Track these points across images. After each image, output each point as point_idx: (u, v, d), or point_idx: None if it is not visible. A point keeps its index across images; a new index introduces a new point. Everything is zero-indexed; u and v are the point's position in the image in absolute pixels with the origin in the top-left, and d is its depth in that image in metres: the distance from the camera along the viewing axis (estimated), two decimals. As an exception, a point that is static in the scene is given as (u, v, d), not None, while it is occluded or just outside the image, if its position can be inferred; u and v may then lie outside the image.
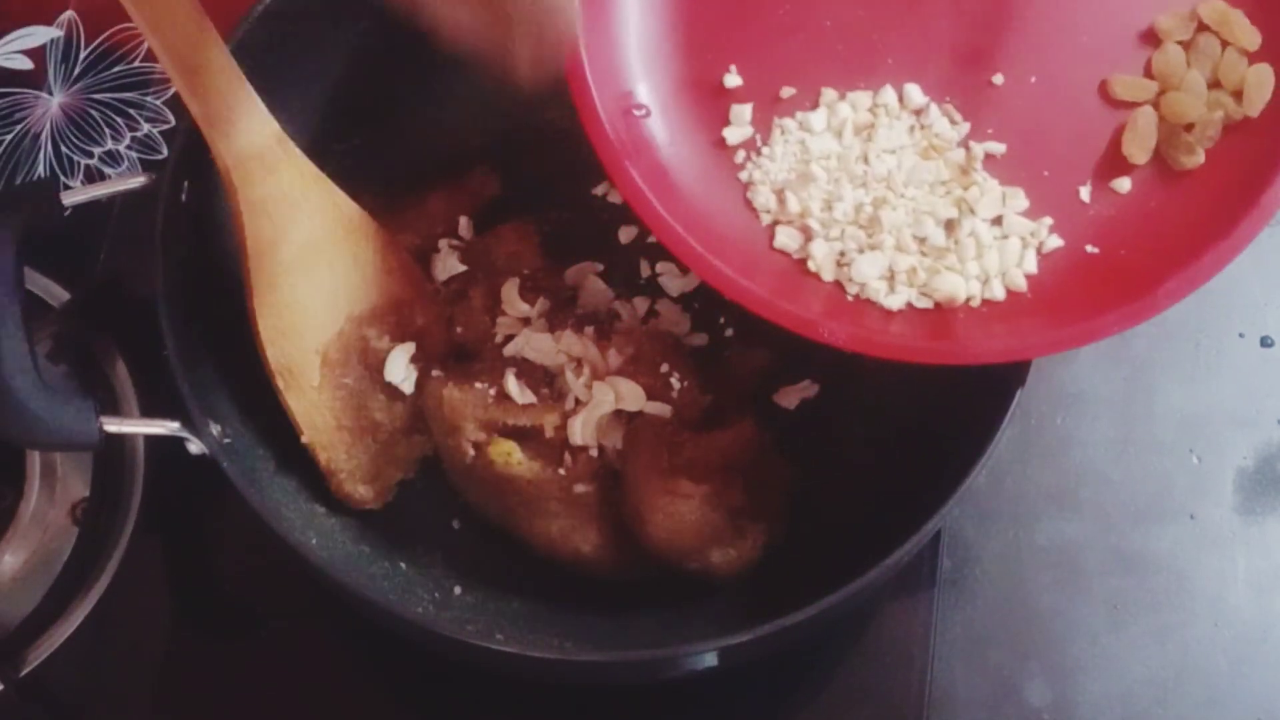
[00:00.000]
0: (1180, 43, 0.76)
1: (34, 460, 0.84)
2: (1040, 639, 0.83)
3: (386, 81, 0.87)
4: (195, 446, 0.73)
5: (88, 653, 0.84)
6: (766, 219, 0.76)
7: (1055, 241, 0.75)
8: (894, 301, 0.74)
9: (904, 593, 0.83)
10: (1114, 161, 0.76)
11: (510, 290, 0.84)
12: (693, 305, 0.87)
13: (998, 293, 0.74)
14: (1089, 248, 0.75)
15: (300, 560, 0.72)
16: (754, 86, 0.78)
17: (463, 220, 0.88)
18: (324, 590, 0.74)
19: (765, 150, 0.77)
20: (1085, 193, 0.75)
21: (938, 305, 0.74)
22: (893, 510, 0.73)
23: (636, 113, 0.77)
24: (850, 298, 0.75)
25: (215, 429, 0.73)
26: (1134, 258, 0.73)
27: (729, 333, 0.86)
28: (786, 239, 0.76)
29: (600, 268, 0.87)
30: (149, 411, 0.87)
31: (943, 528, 0.84)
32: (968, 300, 0.74)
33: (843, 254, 0.75)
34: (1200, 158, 0.74)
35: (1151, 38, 0.76)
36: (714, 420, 0.81)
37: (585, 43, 0.74)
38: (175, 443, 0.73)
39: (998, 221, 0.76)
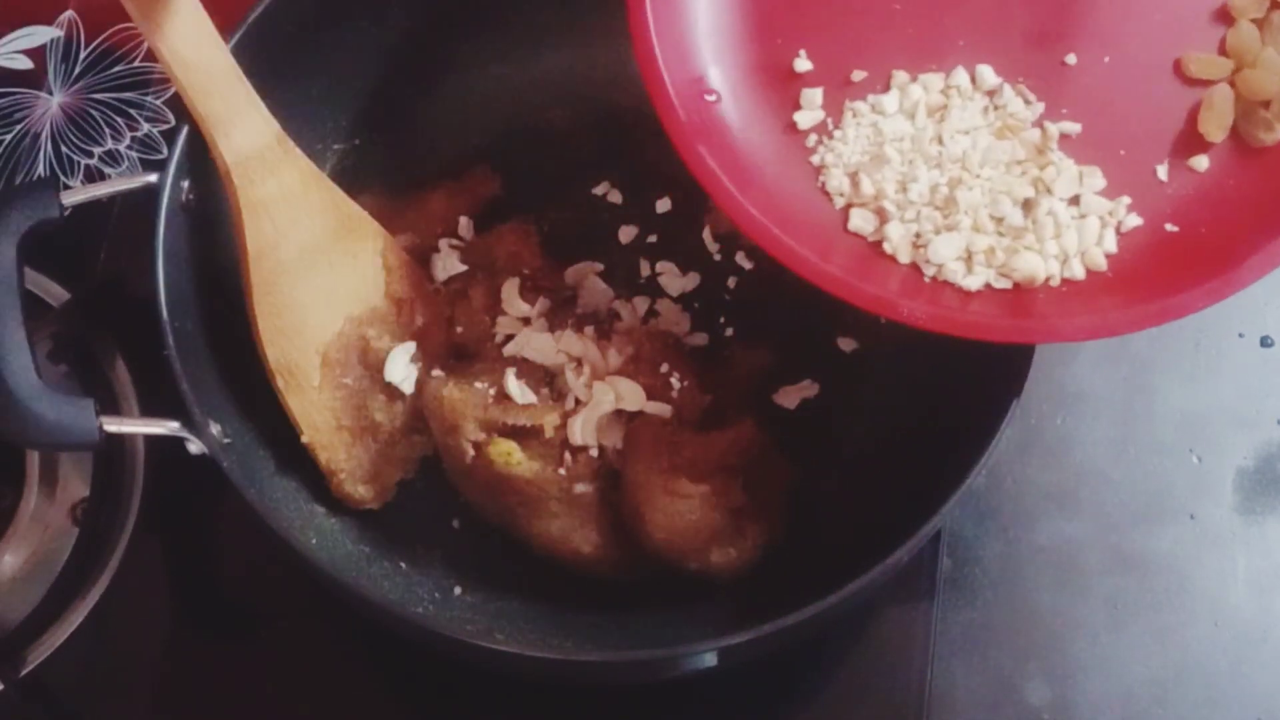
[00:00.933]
0: (1254, 20, 0.75)
1: (34, 460, 0.84)
2: (1040, 639, 0.83)
3: (386, 81, 0.87)
4: (195, 446, 0.73)
5: (88, 653, 0.84)
6: (840, 202, 0.76)
7: (1134, 220, 0.74)
8: (972, 282, 0.73)
9: (904, 592, 0.83)
10: (1191, 139, 0.75)
11: (510, 290, 0.84)
12: (693, 305, 0.87)
13: (1077, 272, 0.74)
14: (1168, 226, 0.74)
15: (300, 560, 0.72)
16: (824, 70, 0.78)
17: (463, 220, 0.88)
18: (324, 590, 0.74)
19: (837, 134, 0.77)
20: (1163, 171, 0.75)
21: (1016, 285, 0.73)
22: (893, 510, 0.73)
23: (708, 98, 0.76)
24: (928, 279, 0.74)
25: (215, 429, 0.73)
26: (1214, 235, 0.73)
27: (729, 333, 0.86)
28: (861, 221, 0.75)
29: (600, 268, 0.87)
30: (149, 411, 0.87)
31: (943, 528, 0.84)
32: (1047, 280, 0.73)
33: (919, 235, 0.74)
34: (1279, 134, 0.74)
35: (1225, 15, 0.76)
36: (714, 420, 0.81)
37: (655, 27, 0.74)
38: (175, 443, 0.73)
39: (1075, 201, 0.75)
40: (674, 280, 0.87)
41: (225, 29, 0.76)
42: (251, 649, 0.85)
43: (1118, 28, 0.77)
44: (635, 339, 0.83)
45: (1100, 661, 0.82)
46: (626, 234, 0.88)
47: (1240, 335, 0.90)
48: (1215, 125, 0.75)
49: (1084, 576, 0.84)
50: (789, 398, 0.85)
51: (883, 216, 0.75)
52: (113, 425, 0.72)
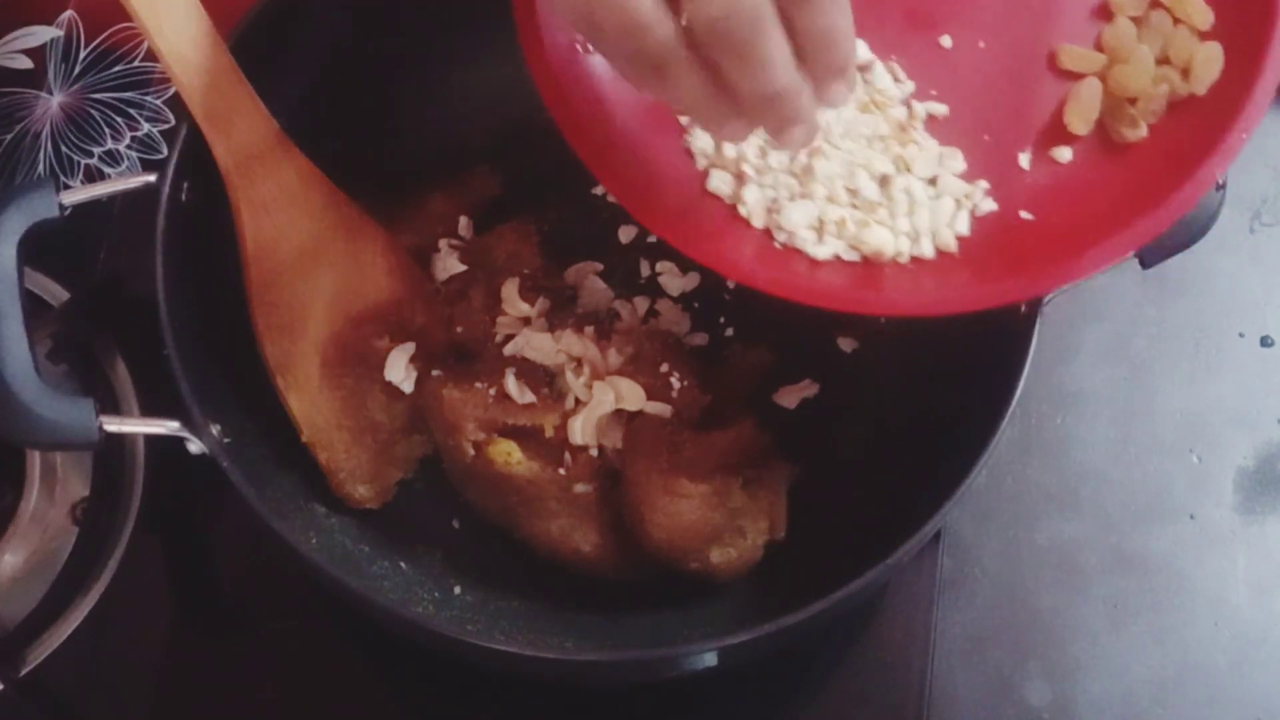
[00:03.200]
0: (1133, 18, 0.76)
1: (34, 460, 0.84)
2: (1040, 639, 0.83)
3: (386, 81, 0.87)
4: (195, 446, 0.73)
5: (88, 653, 0.84)
6: (703, 162, 0.75)
7: (989, 205, 0.75)
8: (821, 251, 0.73)
9: (904, 593, 0.83)
10: (1056, 131, 0.75)
11: (510, 290, 0.84)
12: (693, 305, 0.87)
13: (926, 250, 0.74)
14: (1023, 213, 0.74)
15: (300, 560, 0.72)
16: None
17: (463, 220, 0.88)
18: (324, 590, 0.74)
19: None
20: (1025, 159, 0.75)
21: (865, 258, 0.73)
22: (893, 510, 0.73)
23: (581, 48, 0.75)
24: (779, 245, 0.74)
25: (215, 429, 0.73)
26: (1065, 225, 0.73)
27: (729, 333, 0.86)
28: (720, 183, 0.75)
29: (600, 267, 0.87)
30: (149, 411, 0.87)
31: (943, 528, 0.84)
32: (896, 255, 0.73)
33: (774, 201, 0.74)
34: (1143, 131, 0.74)
35: (1104, 11, 0.76)
36: (714, 420, 0.81)
37: None
38: (175, 443, 0.73)
39: (934, 181, 0.75)
40: (674, 280, 0.87)
41: (225, 29, 0.76)
42: (251, 649, 0.85)
43: (996, 15, 0.77)
44: (635, 339, 0.83)
45: (1100, 661, 0.82)
46: (626, 234, 0.88)
47: (1240, 335, 0.90)
48: (1081, 118, 0.75)
49: (1084, 576, 0.84)
50: (789, 398, 0.85)
51: (741, 180, 0.75)
52: (113, 425, 0.72)
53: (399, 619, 0.73)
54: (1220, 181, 0.74)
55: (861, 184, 0.74)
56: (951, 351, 0.78)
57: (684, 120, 0.76)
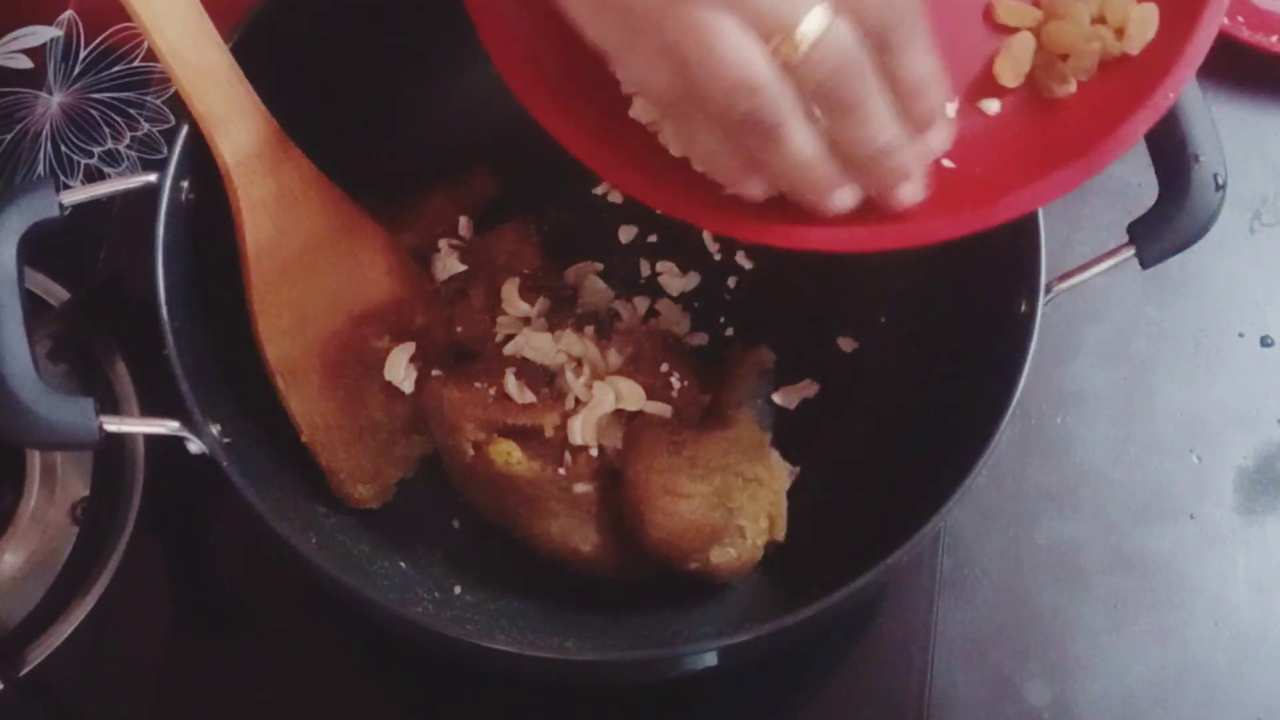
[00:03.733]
0: None
1: (34, 460, 0.84)
2: (1040, 639, 0.83)
3: (386, 81, 0.87)
4: (195, 446, 0.73)
5: (88, 653, 0.84)
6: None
7: None
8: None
9: (904, 593, 0.83)
10: (986, 83, 0.75)
11: (510, 290, 0.84)
12: (693, 305, 0.87)
13: None
14: (945, 162, 0.73)
15: (300, 560, 0.72)
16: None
17: (463, 220, 0.88)
18: (324, 590, 0.74)
19: None
20: (951, 109, 0.74)
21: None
22: (893, 510, 0.73)
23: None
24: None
25: (215, 429, 0.73)
26: (985, 174, 0.72)
27: (729, 332, 0.86)
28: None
29: (600, 267, 0.87)
30: (149, 411, 0.87)
31: (943, 528, 0.83)
32: None
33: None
34: (1072, 87, 0.73)
35: None
36: (714, 420, 0.81)
37: None
38: (175, 442, 0.73)
39: None
40: (674, 280, 0.87)
41: (225, 29, 0.76)
42: (251, 649, 0.85)
43: None
44: (635, 339, 0.83)
45: (1100, 661, 0.82)
46: (626, 234, 0.88)
47: (1240, 335, 0.90)
48: (1011, 71, 0.74)
49: (1084, 576, 0.84)
50: (789, 398, 0.85)
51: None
52: (113, 425, 0.72)
53: (399, 619, 0.73)
54: (1220, 181, 0.74)
55: None
56: (951, 351, 0.78)
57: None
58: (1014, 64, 0.74)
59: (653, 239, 0.88)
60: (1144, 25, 0.73)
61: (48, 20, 1.01)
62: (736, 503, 0.78)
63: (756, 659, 0.75)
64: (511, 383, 0.80)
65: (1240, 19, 0.95)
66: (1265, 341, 0.90)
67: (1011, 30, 0.75)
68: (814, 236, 0.70)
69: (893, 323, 0.85)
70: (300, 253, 0.79)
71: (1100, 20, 0.74)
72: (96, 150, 0.97)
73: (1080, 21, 0.74)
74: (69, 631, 0.84)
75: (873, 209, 0.70)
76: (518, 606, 0.80)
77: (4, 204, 0.72)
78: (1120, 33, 0.73)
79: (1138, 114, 0.70)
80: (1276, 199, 0.93)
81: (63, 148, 0.97)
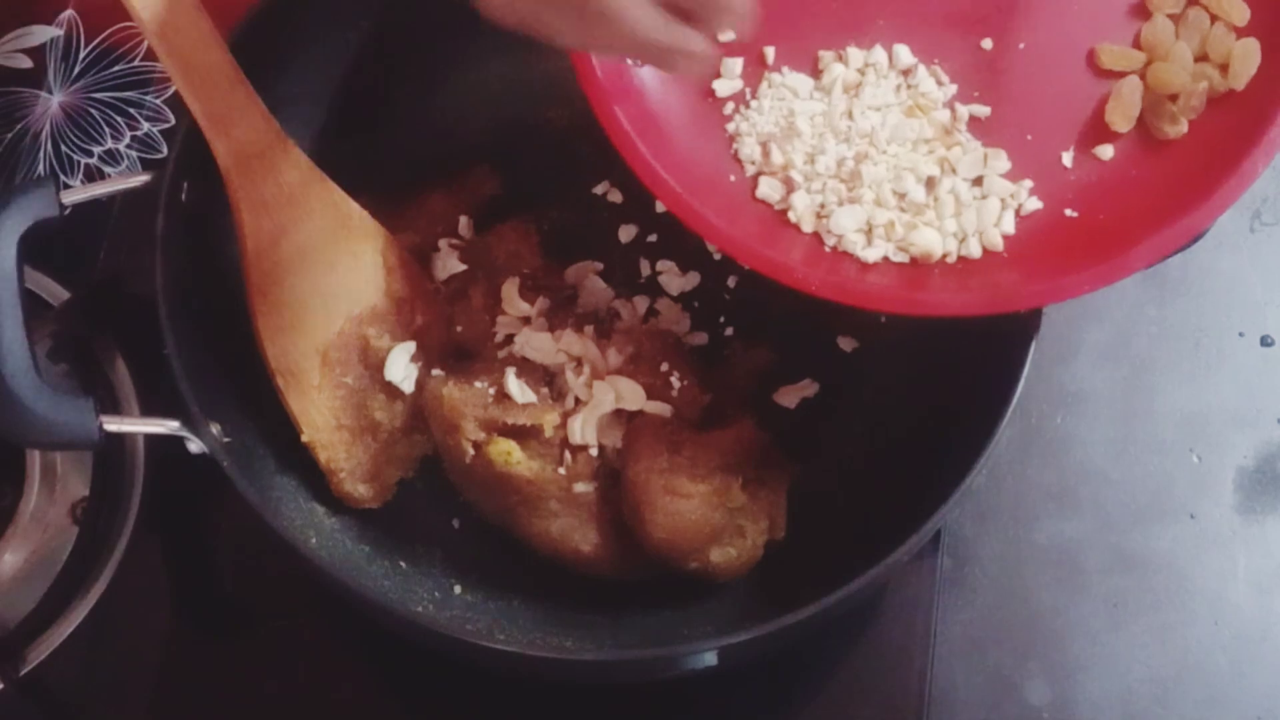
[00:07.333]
0: (1170, 15, 0.77)
1: (34, 460, 0.84)
2: (1040, 639, 0.83)
3: (386, 80, 0.87)
4: (195, 446, 0.73)
5: (88, 652, 0.84)
6: (751, 170, 0.78)
7: (1034, 204, 0.76)
8: (871, 254, 0.75)
9: (904, 593, 0.83)
10: (1098, 129, 0.76)
11: (510, 289, 0.84)
12: (693, 305, 0.87)
13: (974, 250, 0.75)
14: (1068, 211, 0.75)
15: (300, 560, 0.72)
16: (746, 40, 0.79)
17: (463, 219, 0.88)
18: (324, 590, 0.74)
19: (754, 104, 0.79)
20: (1068, 158, 0.76)
21: (914, 260, 0.75)
22: (893, 510, 0.73)
23: (628, 61, 0.77)
24: (828, 249, 0.76)
25: (215, 428, 0.73)
26: (1110, 222, 0.74)
27: (729, 332, 0.86)
28: (769, 189, 0.77)
29: (600, 267, 0.87)
30: (149, 411, 0.87)
31: (943, 528, 0.84)
32: (944, 256, 0.75)
33: (823, 206, 0.76)
34: (1183, 128, 0.75)
35: (1142, 10, 0.78)
36: (714, 420, 0.81)
37: None
38: (175, 442, 0.73)
39: (979, 182, 0.76)
40: (674, 280, 0.87)
41: (225, 29, 0.76)
42: (251, 649, 0.85)
43: (1036, 16, 0.78)
44: (635, 338, 0.83)
45: (1100, 661, 0.82)
46: (626, 233, 0.88)
47: (1240, 335, 0.90)
48: (1122, 116, 0.76)
49: (1084, 576, 0.84)
50: (789, 398, 0.85)
51: (790, 186, 0.77)
52: (113, 425, 0.72)
53: (399, 619, 0.73)
54: None
55: (908, 187, 0.76)
56: (951, 351, 0.78)
57: (731, 128, 0.78)
58: (1124, 108, 0.76)
59: (653, 238, 0.88)
60: (1246, 60, 0.74)
61: (48, 20, 1.01)
62: (736, 503, 0.78)
63: (756, 659, 0.75)
64: (511, 382, 0.80)
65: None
66: (1265, 341, 0.90)
67: (1117, 75, 0.76)
68: (952, 303, 0.73)
69: (893, 322, 0.85)
70: (300, 252, 0.79)
71: (1203, 58, 0.76)
72: (96, 150, 0.97)
73: (1184, 62, 0.75)
74: (69, 631, 0.84)
75: (1026, 269, 0.72)
76: (518, 606, 0.80)
77: (4, 203, 0.72)
78: (1224, 69, 0.75)
79: (1254, 151, 0.72)
80: (1276, 199, 0.93)
81: (63, 147, 0.97)
